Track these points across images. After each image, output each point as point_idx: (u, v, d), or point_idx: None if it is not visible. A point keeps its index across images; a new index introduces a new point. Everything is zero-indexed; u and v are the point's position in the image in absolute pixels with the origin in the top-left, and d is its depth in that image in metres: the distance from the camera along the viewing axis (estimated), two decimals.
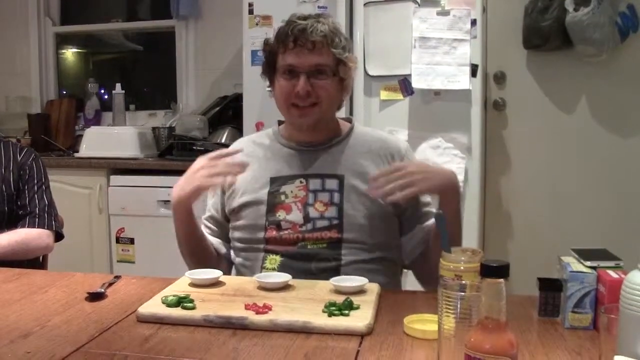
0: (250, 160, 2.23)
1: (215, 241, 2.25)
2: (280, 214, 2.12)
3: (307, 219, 2.11)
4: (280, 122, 2.31)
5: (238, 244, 2.20)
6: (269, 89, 2.25)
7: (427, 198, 2.21)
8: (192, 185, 2.03)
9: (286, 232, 2.10)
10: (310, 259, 2.07)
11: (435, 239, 2.06)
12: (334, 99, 2.18)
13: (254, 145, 2.30)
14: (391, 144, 2.24)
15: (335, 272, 2.02)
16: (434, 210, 2.19)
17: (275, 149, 2.25)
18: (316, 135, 2.21)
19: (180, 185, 2.08)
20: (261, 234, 2.13)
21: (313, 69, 2.09)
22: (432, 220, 2.15)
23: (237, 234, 2.21)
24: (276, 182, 2.17)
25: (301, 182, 2.16)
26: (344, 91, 2.21)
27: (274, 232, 2.11)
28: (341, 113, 3.63)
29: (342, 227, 2.09)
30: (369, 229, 2.08)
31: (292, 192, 2.15)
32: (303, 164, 2.19)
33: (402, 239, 2.19)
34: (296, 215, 2.11)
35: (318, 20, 2.10)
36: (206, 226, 2.28)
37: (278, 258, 2.09)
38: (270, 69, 2.18)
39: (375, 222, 2.11)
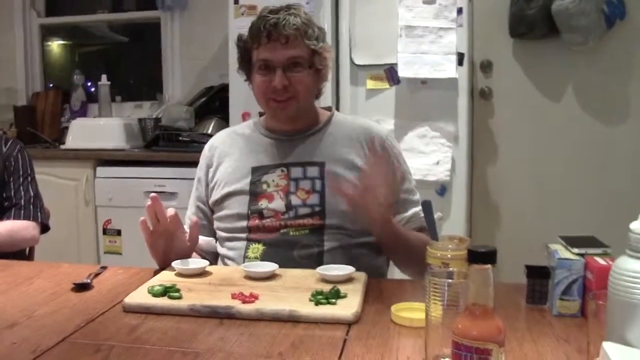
0: (231, 151, 2.26)
1: (204, 242, 2.23)
2: (263, 203, 2.13)
3: (289, 206, 2.11)
4: (261, 114, 2.33)
5: (222, 234, 2.21)
6: (247, 82, 2.24)
7: (408, 185, 2.21)
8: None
9: (268, 220, 2.11)
10: (292, 246, 2.07)
11: (407, 245, 2.06)
12: (311, 90, 2.20)
13: (236, 136, 2.31)
14: (372, 130, 2.24)
15: (318, 258, 2.03)
16: (415, 197, 2.20)
17: (256, 140, 2.26)
18: (296, 125, 2.21)
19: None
20: (244, 223, 2.13)
21: (288, 62, 2.09)
22: (414, 209, 2.17)
23: (220, 224, 2.22)
24: (258, 171, 2.18)
25: (282, 170, 2.16)
26: (320, 80, 2.22)
27: (257, 221, 2.12)
28: (327, 102, 3.64)
29: (324, 213, 2.09)
30: (351, 214, 2.06)
31: (273, 181, 2.16)
32: (284, 153, 2.20)
33: None
34: (278, 204, 2.12)
35: (290, 13, 2.09)
36: None
37: (260, 247, 2.09)
38: (245, 64, 2.18)
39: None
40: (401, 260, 2.16)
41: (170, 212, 1.98)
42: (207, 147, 2.34)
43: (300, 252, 2.06)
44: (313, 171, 2.14)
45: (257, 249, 2.09)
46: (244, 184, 2.17)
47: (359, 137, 2.20)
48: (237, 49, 2.20)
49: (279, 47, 2.07)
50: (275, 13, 2.08)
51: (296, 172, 2.15)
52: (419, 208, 2.15)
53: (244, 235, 2.13)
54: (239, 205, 2.16)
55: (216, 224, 2.24)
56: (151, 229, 1.98)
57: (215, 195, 2.22)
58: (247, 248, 2.11)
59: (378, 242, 2.09)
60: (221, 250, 2.20)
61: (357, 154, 2.16)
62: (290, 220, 2.09)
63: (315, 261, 2.00)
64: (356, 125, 2.27)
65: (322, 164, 2.15)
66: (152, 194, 1.96)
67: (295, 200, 2.11)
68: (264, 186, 2.15)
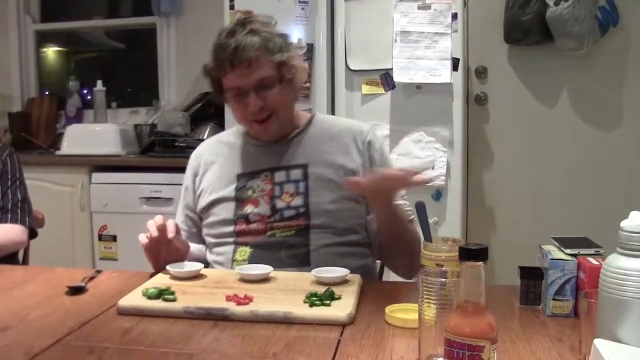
0: (216, 159, 2.29)
1: (195, 249, 2.23)
2: (248, 208, 2.15)
3: (274, 210, 2.13)
4: None
5: (210, 239, 2.22)
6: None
7: None
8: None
9: (255, 224, 2.12)
10: (279, 247, 2.08)
11: (402, 227, 2.07)
12: (289, 102, 2.21)
13: (220, 144, 2.34)
14: (353, 127, 2.27)
15: (305, 258, 2.06)
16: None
17: (240, 147, 2.28)
18: (278, 133, 2.22)
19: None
20: (231, 228, 2.15)
21: (258, 84, 2.07)
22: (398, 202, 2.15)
23: (208, 231, 2.24)
24: (242, 178, 2.21)
25: (266, 175, 2.18)
26: (295, 87, 2.20)
27: (244, 225, 2.14)
28: (322, 107, 3.65)
29: (308, 214, 2.11)
30: (336, 213, 2.11)
31: (258, 186, 2.17)
32: (268, 158, 2.21)
33: (367, 219, 2.18)
34: (264, 208, 2.13)
35: (247, 32, 2.07)
36: (183, 230, 2.26)
37: (248, 249, 2.11)
38: (219, 90, 2.18)
39: (342, 205, 2.12)
40: (393, 240, 2.13)
41: (169, 226, 1.96)
42: (193, 155, 2.37)
43: (287, 253, 2.08)
44: (296, 174, 2.17)
45: (244, 251, 2.11)
46: (230, 190, 2.19)
47: (341, 136, 2.23)
48: (206, 78, 2.21)
49: (244, 71, 2.06)
50: (232, 36, 2.07)
51: (280, 176, 2.17)
52: (401, 202, 2.17)
53: (231, 239, 2.15)
54: (225, 211, 2.18)
55: (204, 231, 2.26)
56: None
57: (202, 203, 2.24)
58: (234, 251, 2.13)
59: (376, 218, 2.11)
60: (210, 256, 2.22)
61: (340, 153, 2.19)
62: (276, 223, 2.11)
63: (302, 261, 2.04)
64: (337, 124, 2.31)
65: (305, 166, 2.17)
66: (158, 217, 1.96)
67: (280, 203, 2.13)
68: (249, 192, 2.17)
